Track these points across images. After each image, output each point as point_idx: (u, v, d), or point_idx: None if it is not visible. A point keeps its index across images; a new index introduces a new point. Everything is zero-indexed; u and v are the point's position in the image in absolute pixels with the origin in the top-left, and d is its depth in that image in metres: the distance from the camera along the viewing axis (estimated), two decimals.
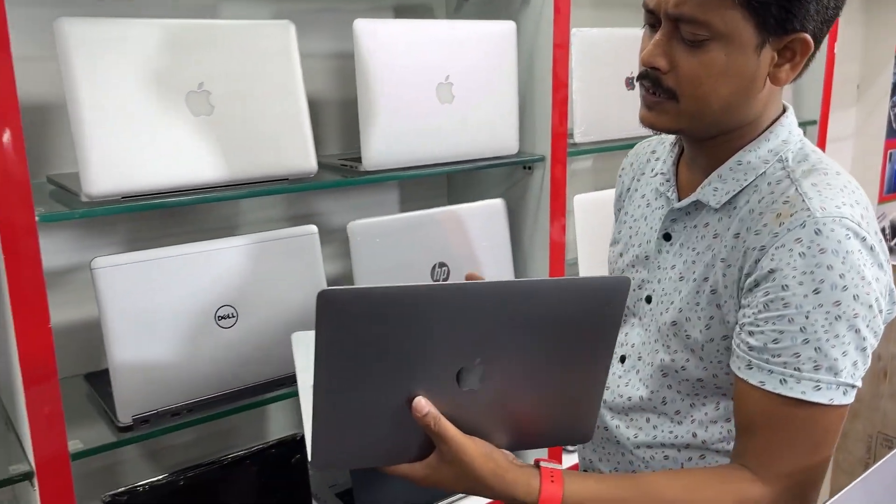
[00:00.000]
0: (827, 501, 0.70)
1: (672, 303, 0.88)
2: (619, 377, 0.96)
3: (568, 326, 0.75)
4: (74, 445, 1.08)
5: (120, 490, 1.16)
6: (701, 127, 0.82)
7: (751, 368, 0.78)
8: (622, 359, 0.96)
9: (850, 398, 0.76)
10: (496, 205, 1.48)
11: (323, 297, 0.67)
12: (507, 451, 0.79)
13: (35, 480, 1.03)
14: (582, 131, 1.54)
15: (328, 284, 1.29)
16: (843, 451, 2.53)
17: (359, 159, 1.30)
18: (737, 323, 0.81)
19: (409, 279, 1.36)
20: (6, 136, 0.93)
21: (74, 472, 1.06)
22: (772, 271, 0.76)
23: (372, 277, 1.32)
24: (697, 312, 0.85)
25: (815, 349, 0.74)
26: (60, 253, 1.27)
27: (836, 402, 0.75)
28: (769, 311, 0.76)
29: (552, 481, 0.76)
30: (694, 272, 0.86)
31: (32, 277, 0.97)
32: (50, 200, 1.10)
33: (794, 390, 0.75)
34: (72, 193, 1.09)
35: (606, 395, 0.95)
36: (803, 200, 0.77)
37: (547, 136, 1.46)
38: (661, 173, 0.94)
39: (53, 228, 1.25)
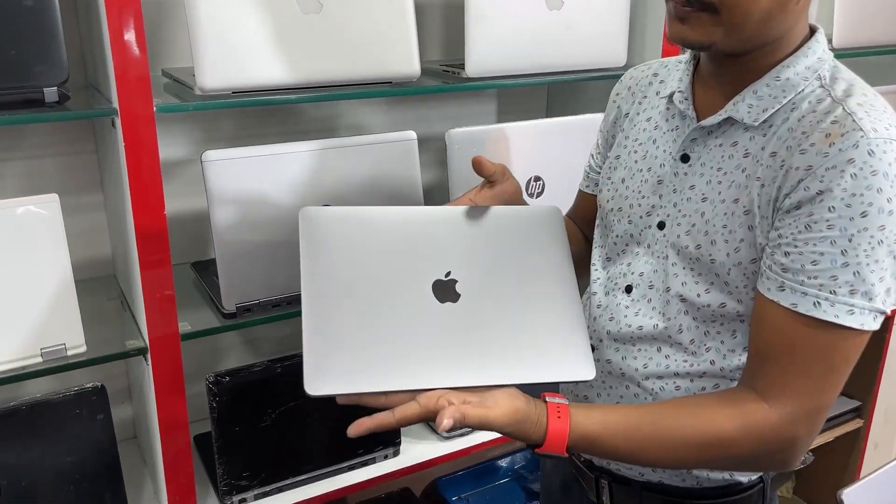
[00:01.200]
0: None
1: (693, 225, 0.85)
2: (627, 307, 0.92)
3: (514, 247, 0.88)
4: (183, 327, 1.16)
5: (222, 371, 1.24)
6: (736, 40, 0.78)
7: (783, 290, 0.76)
8: (628, 289, 0.93)
9: (878, 324, 0.75)
10: (598, 119, 1.43)
11: (304, 214, 0.82)
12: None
13: (148, 356, 1.11)
14: None
15: (423, 192, 1.30)
16: None
17: (461, 66, 1.28)
18: (767, 242, 0.79)
19: None
20: (129, 30, 0.96)
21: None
22: (820, 192, 0.73)
23: (467, 186, 1.32)
24: (725, 235, 0.82)
25: (854, 273, 0.73)
26: (167, 147, 1.33)
27: (865, 328, 0.75)
28: (811, 231, 0.74)
29: (558, 417, 0.78)
30: (720, 193, 0.83)
31: (150, 166, 1.02)
32: (164, 93, 1.14)
33: (827, 313, 0.74)
34: (186, 86, 1.13)
35: (611, 327, 0.93)
36: (853, 121, 0.74)
37: (657, 50, 1.39)
38: (679, 91, 0.89)
39: (163, 121, 1.30)
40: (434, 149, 1.53)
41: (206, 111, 1.32)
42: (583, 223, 1.10)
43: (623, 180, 0.95)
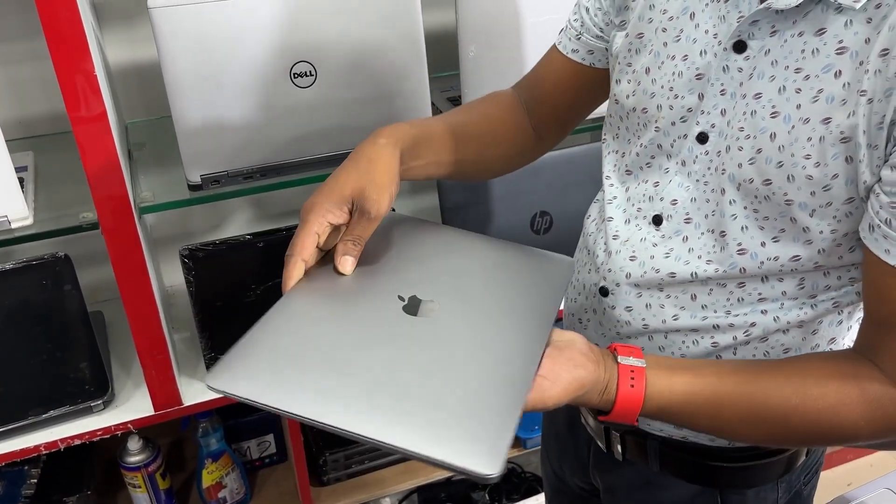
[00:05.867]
0: None
1: (759, 151, 0.62)
2: (654, 245, 0.71)
3: (496, 288, 0.72)
4: (144, 198, 1.04)
5: (198, 244, 1.13)
6: None
7: None
8: (656, 220, 0.71)
9: None
10: None
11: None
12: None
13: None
14: None
15: (426, 41, 1.08)
16: None
17: None
18: (878, 182, 0.57)
19: (520, 35, 1.13)
20: None
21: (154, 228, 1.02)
22: None
23: (477, 35, 1.10)
24: (809, 170, 0.59)
25: None
26: None
27: None
28: None
29: (632, 385, 0.63)
30: (801, 107, 0.59)
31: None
32: None
33: None
34: None
35: (632, 268, 0.73)
36: None
37: None
38: None
39: None
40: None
41: None
42: (534, 100, 0.84)
43: (648, 70, 0.70)
